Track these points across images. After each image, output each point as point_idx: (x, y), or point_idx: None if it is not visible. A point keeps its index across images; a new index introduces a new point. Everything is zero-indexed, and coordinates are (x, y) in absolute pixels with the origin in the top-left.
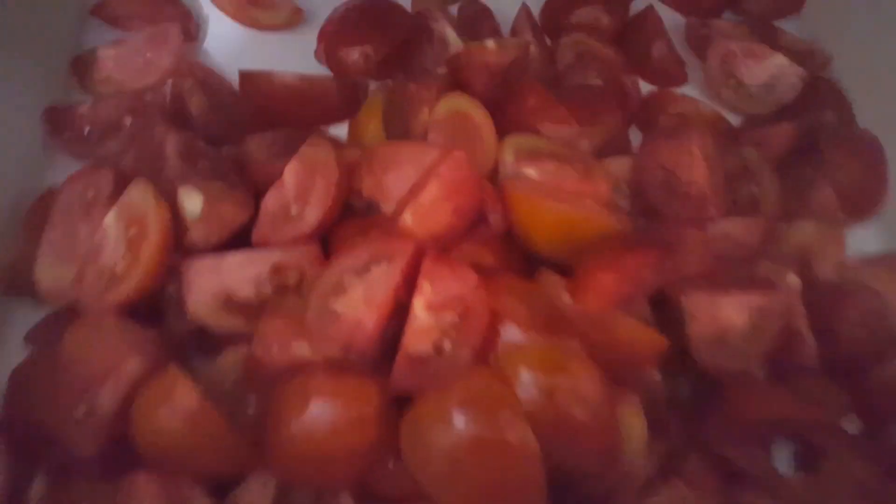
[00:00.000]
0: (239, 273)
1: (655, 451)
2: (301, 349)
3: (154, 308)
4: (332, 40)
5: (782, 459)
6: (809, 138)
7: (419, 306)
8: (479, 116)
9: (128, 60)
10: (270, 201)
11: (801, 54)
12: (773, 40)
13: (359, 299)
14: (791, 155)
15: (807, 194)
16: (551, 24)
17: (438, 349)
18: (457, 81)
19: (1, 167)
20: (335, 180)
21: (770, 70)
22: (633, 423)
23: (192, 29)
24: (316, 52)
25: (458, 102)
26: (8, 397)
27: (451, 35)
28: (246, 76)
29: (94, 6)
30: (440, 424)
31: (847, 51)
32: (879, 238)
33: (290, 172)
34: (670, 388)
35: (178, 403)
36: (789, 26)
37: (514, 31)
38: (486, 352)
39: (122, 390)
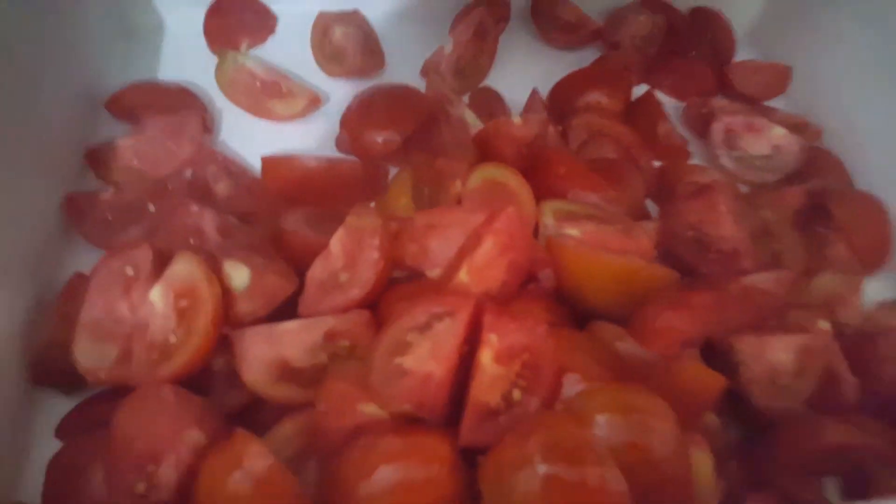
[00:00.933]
0: (293, 342)
1: (719, 488)
2: (367, 409)
3: (200, 383)
4: (356, 126)
5: (833, 492)
6: (817, 200)
7: (487, 358)
8: (515, 182)
9: (147, 149)
10: (318, 271)
11: (795, 127)
12: (768, 116)
13: (425, 355)
14: (801, 216)
15: (823, 249)
16: (558, 109)
17: (508, 400)
18: (484, 155)
19: (21, 258)
20: (384, 245)
21: (771, 141)
22: (702, 461)
23: (207, 121)
24: (338, 139)
25: (492, 171)
26: (48, 488)
27: (469, 115)
28: (269, 161)
29: (108, 99)
30: (525, 469)
31: (834, 124)
32: (891, 287)
33: (337, 241)
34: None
35: (249, 466)
36: (777, 104)
37: (527, 113)
38: (551, 403)
39: (185, 461)
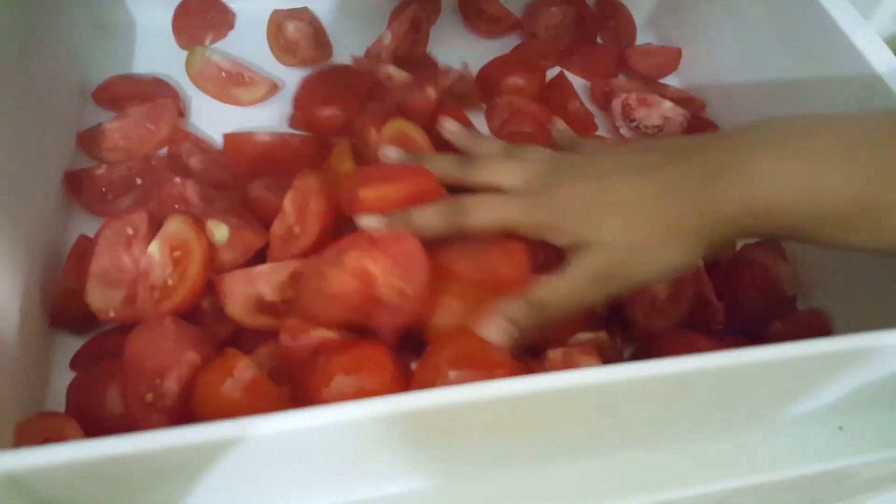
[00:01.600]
0: (265, 281)
1: None
2: (318, 333)
3: (193, 319)
4: (304, 105)
5: None
6: None
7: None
8: (419, 135)
9: (131, 131)
10: (277, 227)
11: (683, 101)
12: (660, 92)
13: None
14: None
15: None
16: (485, 91)
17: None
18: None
19: (30, 225)
20: (324, 200)
21: (662, 113)
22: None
23: (180, 106)
24: (291, 117)
25: (402, 125)
26: (71, 405)
27: (392, 69)
28: (230, 137)
29: (95, 90)
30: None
31: (716, 97)
32: None
33: (289, 201)
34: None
35: (238, 376)
36: (670, 81)
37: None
38: None
39: (185, 375)
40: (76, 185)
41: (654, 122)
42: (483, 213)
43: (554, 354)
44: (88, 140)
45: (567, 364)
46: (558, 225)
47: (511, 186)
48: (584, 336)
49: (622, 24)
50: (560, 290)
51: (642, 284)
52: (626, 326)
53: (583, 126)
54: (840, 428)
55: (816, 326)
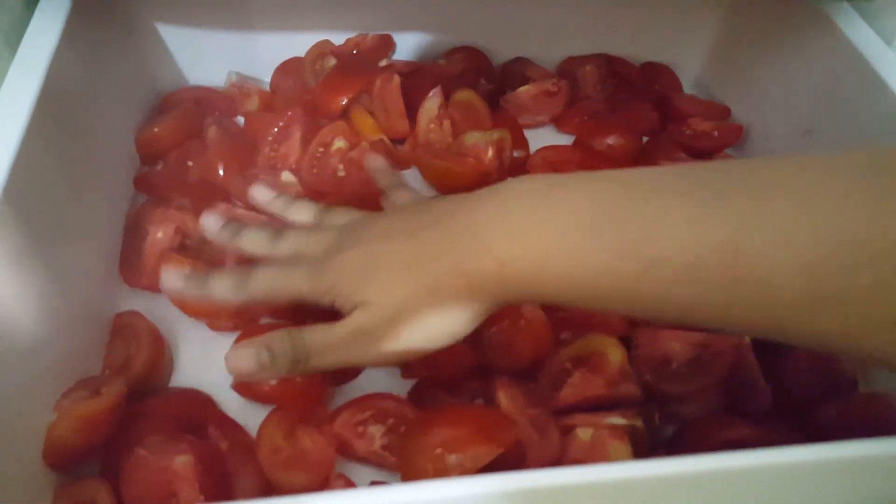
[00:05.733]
0: None
1: None
2: None
3: None
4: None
5: None
6: None
7: None
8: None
9: None
10: None
11: None
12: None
13: None
14: None
15: None
16: None
17: None
18: None
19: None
20: None
21: None
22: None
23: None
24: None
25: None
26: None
27: None
28: None
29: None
30: None
31: None
32: None
33: None
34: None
35: None
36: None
37: None
38: None
39: None
40: (145, 185)
41: None
42: (271, 284)
43: (584, 434)
44: (143, 183)
45: (594, 448)
46: (338, 291)
47: (311, 256)
48: (618, 420)
49: (666, 85)
50: (324, 339)
51: (416, 351)
52: (664, 404)
53: None
54: None
55: (877, 414)
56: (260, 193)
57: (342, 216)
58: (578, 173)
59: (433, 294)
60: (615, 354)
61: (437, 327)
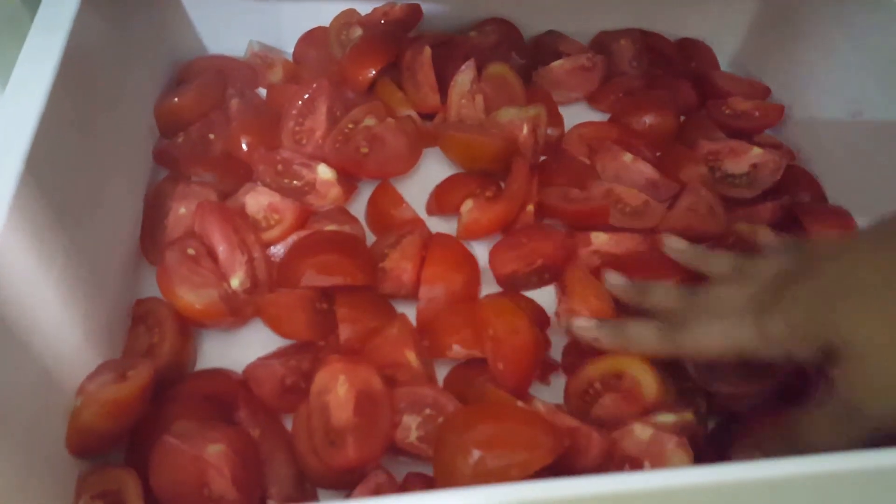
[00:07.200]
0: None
1: None
2: None
3: None
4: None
5: None
6: (790, 214)
7: None
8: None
9: None
10: None
11: (772, 147)
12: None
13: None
14: (775, 228)
15: None
16: None
17: None
18: None
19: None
20: None
21: (750, 160)
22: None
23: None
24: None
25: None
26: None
27: None
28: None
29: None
30: None
31: (808, 143)
32: None
33: None
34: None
35: None
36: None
37: None
38: None
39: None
40: (165, 157)
41: (742, 169)
42: (707, 341)
43: (642, 432)
44: (163, 155)
45: (653, 450)
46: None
47: (740, 309)
48: (669, 417)
49: (703, 63)
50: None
51: None
52: (710, 395)
53: None
54: None
55: None
56: (674, 242)
57: (763, 266)
58: None
59: None
60: (650, 386)
61: None
